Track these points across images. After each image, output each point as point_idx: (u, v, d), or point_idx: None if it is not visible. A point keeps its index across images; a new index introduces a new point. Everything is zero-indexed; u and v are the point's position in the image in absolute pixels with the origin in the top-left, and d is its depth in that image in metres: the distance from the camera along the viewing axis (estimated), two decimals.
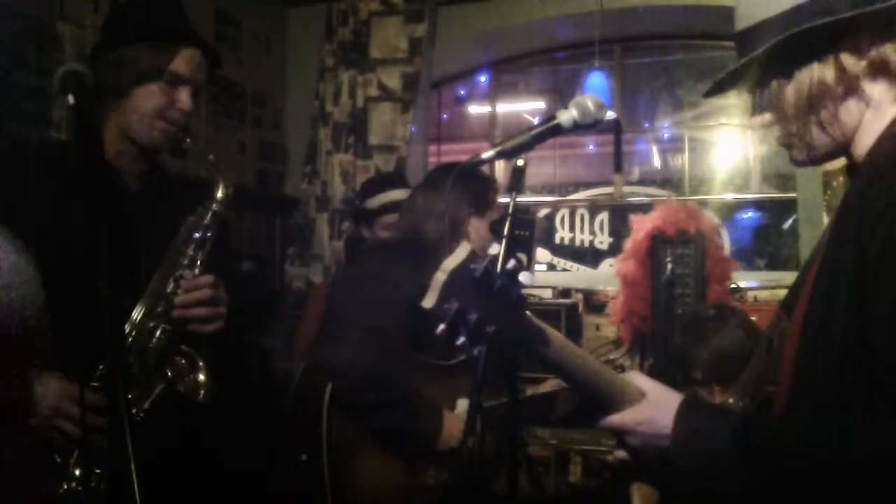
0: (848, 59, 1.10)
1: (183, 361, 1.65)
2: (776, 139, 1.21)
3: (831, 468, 0.99)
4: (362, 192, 3.37)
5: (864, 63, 1.10)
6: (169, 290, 1.67)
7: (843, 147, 1.16)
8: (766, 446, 1.04)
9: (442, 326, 1.08)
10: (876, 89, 1.12)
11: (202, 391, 1.64)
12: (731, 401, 1.29)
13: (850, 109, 1.13)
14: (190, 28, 1.84)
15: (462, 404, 2.22)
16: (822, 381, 1.05)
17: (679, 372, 2.28)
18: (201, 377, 1.65)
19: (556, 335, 1.16)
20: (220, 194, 1.75)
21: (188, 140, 1.77)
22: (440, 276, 1.08)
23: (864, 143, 1.14)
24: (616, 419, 1.16)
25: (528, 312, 1.14)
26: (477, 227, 2.41)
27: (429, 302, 1.08)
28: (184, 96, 1.76)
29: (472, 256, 1.08)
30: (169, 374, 1.62)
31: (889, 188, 1.01)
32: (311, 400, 2.11)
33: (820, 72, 1.11)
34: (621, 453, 1.20)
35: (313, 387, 2.13)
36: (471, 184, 2.32)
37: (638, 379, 1.19)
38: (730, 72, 1.20)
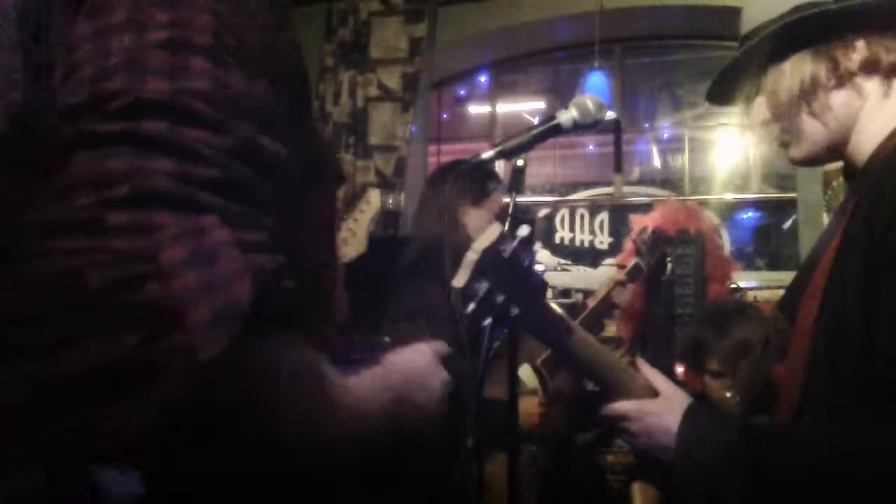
0: (840, 54, 1.13)
1: None
2: (773, 139, 1.23)
3: (845, 480, 0.99)
4: None
5: (856, 59, 1.12)
6: None
7: (839, 143, 1.17)
8: (774, 458, 1.04)
9: (472, 306, 1.08)
10: (870, 85, 1.14)
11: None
12: (728, 395, 1.30)
13: (843, 102, 1.15)
14: None
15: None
16: (836, 386, 1.05)
17: (694, 363, 2.29)
18: None
19: (576, 326, 1.18)
20: None
21: None
22: (471, 256, 1.08)
23: (864, 140, 1.15)
24: (625, 405, 1.18)
25: (550, 303, 1.16)
26: (476, 217, 2.42)
27: (460, 280, 1.08)
28: None
29: (502, 237, 1.08)
30: None
31: None
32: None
33: (813, 65, 1.14)
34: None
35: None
36: (466, 176, 2.31)
37: (653, 376, 1.21)
38: (728, 65, 1.22)
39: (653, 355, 3.28)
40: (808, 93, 1.15)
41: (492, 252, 1.08)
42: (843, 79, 1.14)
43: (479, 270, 1.07)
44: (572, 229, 4.99)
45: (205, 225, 0.57)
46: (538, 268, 1.12)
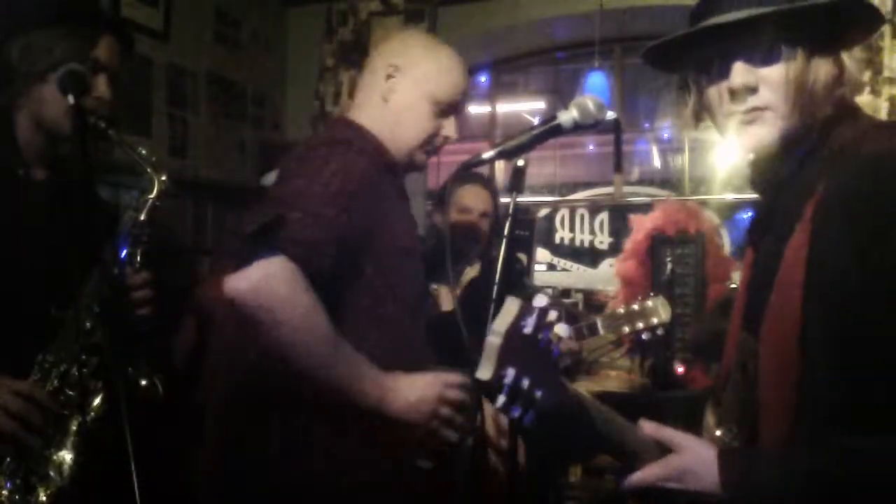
0: (847, 56, 1.11)
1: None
2: (741, 111, 1.15)
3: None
4: None
5: (857, 60, 1.10)
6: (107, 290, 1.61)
7: (802, 137, 1.13)
8: (830, 471, 1.01)
9: (502, 399, 0.96)
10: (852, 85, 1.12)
11: (151, 395, 1.63)
12: (718, 433, 1.22)
13: (832, 101, 1.12)
14: (111, 13, 1.79)
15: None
16: (842, 399, 1.01)
17: (712, 357, 2.25)
18: (144, 382, 1.64)
19: (591, 401, 1.09)
20: (156, 187, 1.70)
21: (111, 132, 1.68)
22: (494, 341, 0.96)
23: (835, 135, 1.12)
24: (655, 471, 1.08)
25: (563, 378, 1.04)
26: (443, 222, 2.46)
27: (485, 373, 0.95)
28: (101, 84, 1.70)
29: (523, 312, 0.97)
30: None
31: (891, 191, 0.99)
32: None
33: (832, 65, 1.10)
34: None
35: None
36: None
37: (660, 432, 1.11)
38: (751, 17, 1.09)
39: (653, 356, 3.28)
40: (820, 92, 1.10)
41: (514, 332, 0.96)
42: (846, 80, 1.11)
43: (504, 357, 0.95)
44: (572, 229, 4.98)
45: None
46: (560, 330, 0.98)
